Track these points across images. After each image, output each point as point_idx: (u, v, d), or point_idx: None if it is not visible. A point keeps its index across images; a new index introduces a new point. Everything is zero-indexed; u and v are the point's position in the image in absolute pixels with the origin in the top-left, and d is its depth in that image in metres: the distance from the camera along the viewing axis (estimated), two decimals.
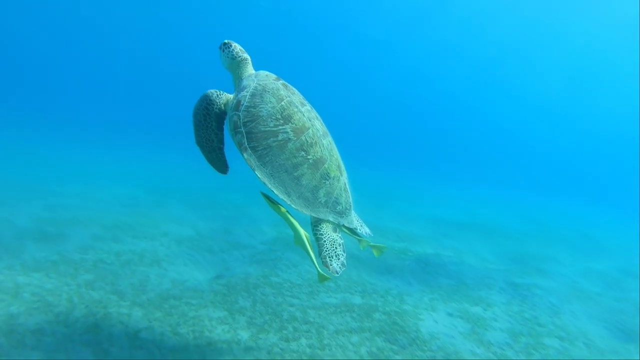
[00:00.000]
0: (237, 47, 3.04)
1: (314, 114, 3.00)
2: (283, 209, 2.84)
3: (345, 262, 2.83)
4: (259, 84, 2.84)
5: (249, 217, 9.63)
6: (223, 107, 2.93)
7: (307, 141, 2.76)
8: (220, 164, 3.05)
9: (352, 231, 3.23)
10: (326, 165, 2.83)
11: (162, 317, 4.45)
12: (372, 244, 3.24)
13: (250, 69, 3.13)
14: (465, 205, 17.18)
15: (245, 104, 2.75)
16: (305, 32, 37.68)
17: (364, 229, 3.16)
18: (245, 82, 2.92)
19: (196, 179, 13.64)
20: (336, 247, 2.86)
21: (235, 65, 3.10)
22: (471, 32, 32.57)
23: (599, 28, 29.30)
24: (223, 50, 3.09)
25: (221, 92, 2.97)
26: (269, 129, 2.70)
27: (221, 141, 2.94)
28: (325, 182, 2.82)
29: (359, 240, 3.27)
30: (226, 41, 3.08)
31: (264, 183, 2.70)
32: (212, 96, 2.91)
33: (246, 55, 3.08)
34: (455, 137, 51.31)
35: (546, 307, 6.37)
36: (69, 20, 34.09)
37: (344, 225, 3.05)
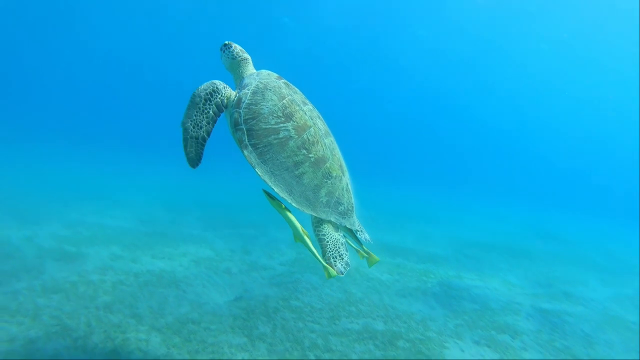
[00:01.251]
0: (237, 47, 3.03)
1: (315, 113, 2.97)
2: (283, 206, 2.78)
3: (349, 261, 2.75)
4: (261, 82, 2.82)
5: (267, 237, 9.53)
6: (225, 101, 2.84)
7: (308, 139, 2.72)
8: (195, 155, 2.79)
9: (353, 234, 3.12)
10: (328, 165, 2.79)
11: (181, 343, 4.34)
12: (368, 252, 3.11)
13: (251, 69, 3.09)
14: (485, 223, 16.82)
15: (246, 101, 2.72)
16: (326, 51, 37.89)
17: (364, 235, 3.08)
18: (246, 81, 2.89)
19: (213, 195, 13.66)
20: (339, 247, 2.77)
21: (235, 65, 3.08)
22: (485, 46, 32.31)
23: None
24: (224, 52, 3.08)
25: (227, 85, 2.92)
26: (270, 126, 2.66)
27: (208, 133, 2.78)
28: (327, 182, 2.77)
29: (357, 251, 3.14)
30: (226, 42, 3.07)
31: (265, 181, 2.65)
32: (219, 85, 2.83)
33: (246, 55, 3.06)
34: (470, 154, 50.85)
35: (579, 337, 6.07)
36: (70, 31, 34.40)
37: (345, 227, 2.98)
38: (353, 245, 3.14)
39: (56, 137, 25.79)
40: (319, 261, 2.74)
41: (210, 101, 2.77)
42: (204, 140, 2.78)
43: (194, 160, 2.78)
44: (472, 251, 11.19)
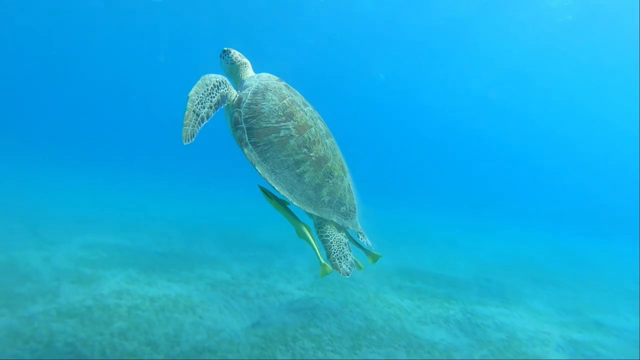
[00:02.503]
0: (235, 53, 3.05)
1: (316, 114, 2.97)
2: (277, 200, 2.76)
3: (353, 261, 2.73)
4: (261, 84, 2.82)
5: (284, 259, 9.38)
6: (227, 95, 2.78)
7: (309, 139, 2.71)
8: (191, 131, 2.59)
9: (354, 239, 3.03)
10: (329, 164, 2.77)
11: None
12: (369, 254, 3.05)
13: (250, 72, 3.11)
14: (505, 246, 16.36)
15: (246, 101, 2.72)
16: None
17: (365, 239, 3.01)
18: (247, 82, 2.90)
19: (230, 215, 13.60)
20: (343, 248, 2.74)
21: (235, 69, 3.11)
22: (508, 69, 31.99)
23: None
24: (223, 58, 3.10)
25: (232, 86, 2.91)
26: (270, 125, 2.65)
27: (208, 116, 2.66)
28: (328, 181, 2.74)
29: (355, 261, 2.97)
30: (225, 49, 3.09)
31: (265, 179, 2.62)
32: (225, 79, 2.80)
33: (245, 60, 3.07)
34: (489, 175, 50.07)
35: None
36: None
37: (347, 229, 2.94)
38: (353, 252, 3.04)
39: (72, 154, 26.20)
40: (318, 258, 2.69)
41: (218, 88, 2.72)
42: (203, 121, 2.65)
43: (189, 136, 2.61)
44: (494, 275, 10.84)
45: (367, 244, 2.99)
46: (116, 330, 4.87)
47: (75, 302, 5.53)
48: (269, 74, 3.02)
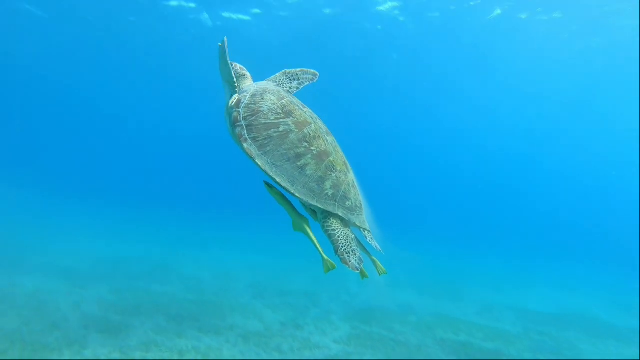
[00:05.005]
0: (237, 65, 3.08)
1: (315, 116, 2.96)
2: (282, 195, 2.72)
3: (361, 256, 2.56)
4: (260, 87, 2.89)
5: (319, 307, 8.88)
6: (238, 84, 2.91)
7: (309, 134, 2.70)
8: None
9: (364, 238, 2.85)
10: (331, 159, 2.71)
11: None
12: (375, 261, 2.87)
13: (249, 83, 3.13)
14: (552, 293, 15.21)
15: (245, 102, 2.75)
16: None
17: (373, 242, 2.84)
18: (245, 88, 2.94)
19: (262, 259, 13.27)
20: (350, 243, 2.58)
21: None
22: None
23: None
24: None
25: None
26: (269, 121, 2.67)
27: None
28: (331, 174, 2.67)
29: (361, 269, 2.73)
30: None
31: (266, 171, 2.57)
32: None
33: (246, 72, 3.10)
34: (525, 213, 47.64)
35: None
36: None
37: (355, 226, 2.80)
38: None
39: (103, 194, 26.66)
40: (320, 252, 2.59)
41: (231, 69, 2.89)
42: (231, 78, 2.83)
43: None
44: (546, 328, 9.94)
45: (376, 247, 2.80)
46: None
47: (102, 354, 5.23)
48: (266, 81, 3.10)
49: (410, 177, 48.73)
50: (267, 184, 2.74)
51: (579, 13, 17.19)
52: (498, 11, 17.69)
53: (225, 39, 2.67)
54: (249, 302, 8.66)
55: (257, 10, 18.69)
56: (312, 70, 3.28)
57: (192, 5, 18.09)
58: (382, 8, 17.81)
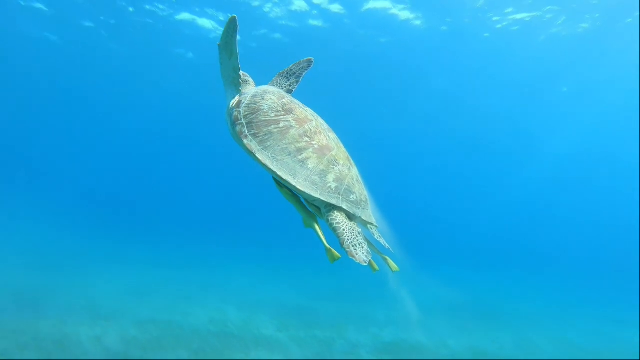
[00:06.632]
0: (240, 72, 3.07)
1: (317, 115, 2.98)
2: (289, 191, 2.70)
3: (369, 250, 2.49)
4: (260, 89, 2.94)
5: (346, 341, 8.49)
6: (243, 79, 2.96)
7: (310, 129, 2.71)
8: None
9: (371, 235, 2.80)
10: (333, 153, 2.71)
11: None
12: (386, 259, 2.81)
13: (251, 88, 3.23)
14: (597, 324, 14.20)
15: (245, 102, 2.79)
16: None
17: (381, 239, 2.78)
18: (245, 91, 2.98)
19: (287, 289, 12.94)
20: (357, 236, 2.52)
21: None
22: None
23: None
24: None
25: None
26: (270, 118, 2.69)
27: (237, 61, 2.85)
28: (334, 168, 2.64)
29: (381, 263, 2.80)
30: None
31: (267, 166, 2.55)
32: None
33: (249, 79, 3.11)
34: (566, 234, 45.14)
35: None
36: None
37: (361, 221, 2.75)
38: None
39: (135, 225, 26.84)
40: (325, 245, 2.56)
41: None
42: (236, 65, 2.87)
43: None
44: None
45: (384, 244, 2.77)
46: None
47: None
48: (266, 86, 3.14)
49: (444, 198, 47.12)
50: (277, 182, 2.72)
51: None
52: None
53: (235, 16, 2.65)
54: (274, 335, 8.35)
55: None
56: (305, 59, 3.31)
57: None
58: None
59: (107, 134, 37.47)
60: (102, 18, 17.62)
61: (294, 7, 16.26)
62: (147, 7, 16.44)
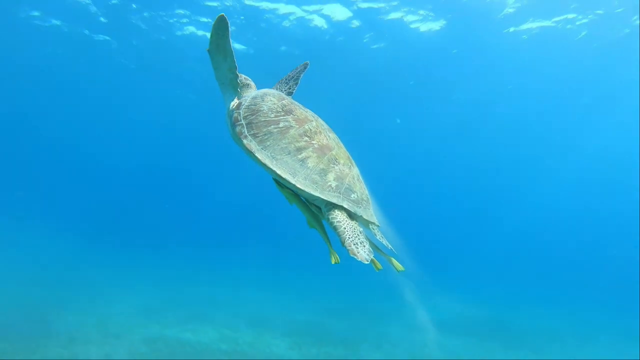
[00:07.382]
0: (241, 76, 3.06)
1: (317, 116, 2.98)
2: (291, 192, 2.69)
3: (371, 249, 2.46)
4: (260, 91, 2.97)
5: (359, 358, 8.27)
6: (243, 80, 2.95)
7: (310, 129, 2.73)
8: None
9: (372, 235, 2.73)
10: (334, 152, 2.71)
11: None
12: (390, 259, 2.76)
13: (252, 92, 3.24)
14: (629, 345, 13.47)
15: (245, 104, 2.82)
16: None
17: (384, 240, 2.70)
18: (246, 94, 2.99)
19: (299, 307, 12.72)
20: (358, 234, 2.50)
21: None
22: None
23: None
24: None
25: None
26: (269, 119, 2.71)
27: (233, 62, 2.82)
28: (334, 167, 2.65)
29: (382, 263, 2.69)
30: None
31: (266, 164, 2.55)
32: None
33: (250, 82, 3.09)
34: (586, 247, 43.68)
35: None
36: None
37: (362, 220, 2.73)
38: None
39: (142, 242, 26.71)
40: (329, 246, 2.61)
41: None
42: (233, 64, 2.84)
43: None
44: None
45: (387, 245, 2.69)
46: None
47: None
48: (267, 89, 3.15)
49: (463, 209, 46.30)
50: (278, 182, 2.73)
51: None
52: None
53: (224, 14, 2.61)
54: (285, 354, 8.18)
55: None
56: (302, 64, 3.41)
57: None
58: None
59: (113, 147, 37.64)
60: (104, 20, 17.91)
61: (312, 24, 16.49)
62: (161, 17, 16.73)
